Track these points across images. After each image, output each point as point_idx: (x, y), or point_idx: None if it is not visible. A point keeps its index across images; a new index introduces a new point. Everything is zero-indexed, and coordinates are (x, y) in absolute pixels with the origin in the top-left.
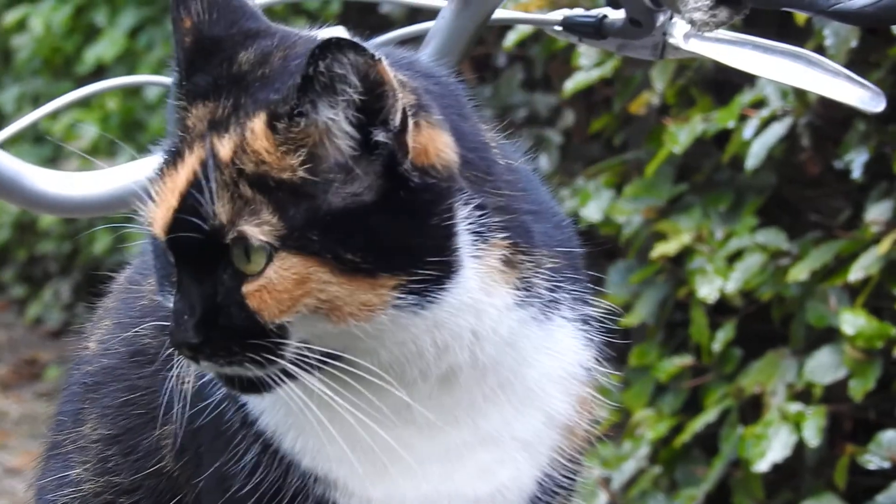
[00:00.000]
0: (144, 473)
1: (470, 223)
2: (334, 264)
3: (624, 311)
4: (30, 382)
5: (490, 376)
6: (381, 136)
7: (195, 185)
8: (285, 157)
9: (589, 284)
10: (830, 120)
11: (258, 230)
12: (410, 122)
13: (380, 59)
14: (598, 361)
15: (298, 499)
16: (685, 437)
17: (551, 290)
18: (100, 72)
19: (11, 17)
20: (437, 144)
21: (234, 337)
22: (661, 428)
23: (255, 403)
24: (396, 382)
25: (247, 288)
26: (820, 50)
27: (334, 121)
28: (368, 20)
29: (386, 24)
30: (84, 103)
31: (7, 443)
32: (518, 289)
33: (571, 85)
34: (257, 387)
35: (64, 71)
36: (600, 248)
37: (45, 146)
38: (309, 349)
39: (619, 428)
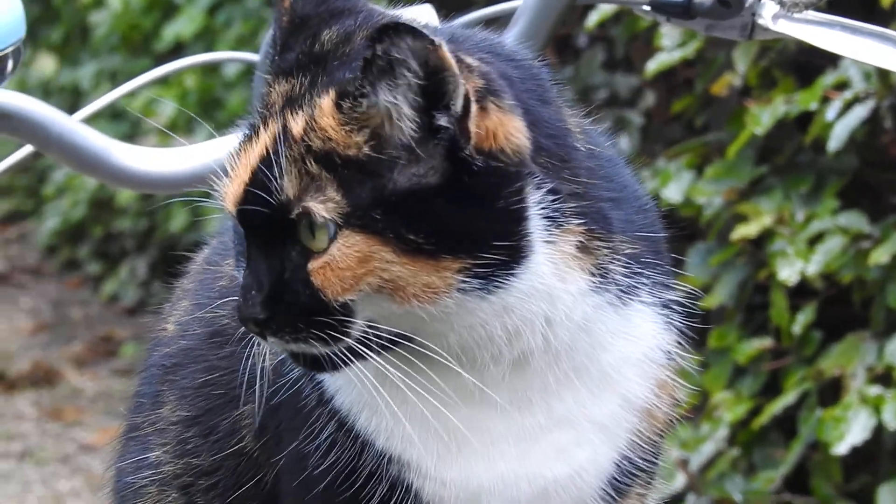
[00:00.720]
0: (224, 454)
1: (542, 208)
2: (397, 244)
3: (703, 293)
4: (105, 359)
5: (563, 361)
6: (443, 120)
7: (266, 160)
8: (350, 135)
9: (670, 268)
10: None
11: (322, 207)
12: (474, 107)
13: (440, 45)
14: (679, 345)
15: (373, 480)
16: (763, 419)
17: (629, 276)
18: (178, 49)
19: None
20: (507, 129)
21: (300, 314)
22: (739, 410)
23: (331, 381)
24: (468, 365)
25: (312, 265)
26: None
27: (395, 104)
28: (454, 0)
29: (470, 3)
30: (162, 80)
31: (82, 420)
32: (594, 275)
33: (653, 66)
34: (324, 365)
35: (142, 48)
36: (680, 230)
37: (123, 122)
38: (376, 329)
39: (698, 410)
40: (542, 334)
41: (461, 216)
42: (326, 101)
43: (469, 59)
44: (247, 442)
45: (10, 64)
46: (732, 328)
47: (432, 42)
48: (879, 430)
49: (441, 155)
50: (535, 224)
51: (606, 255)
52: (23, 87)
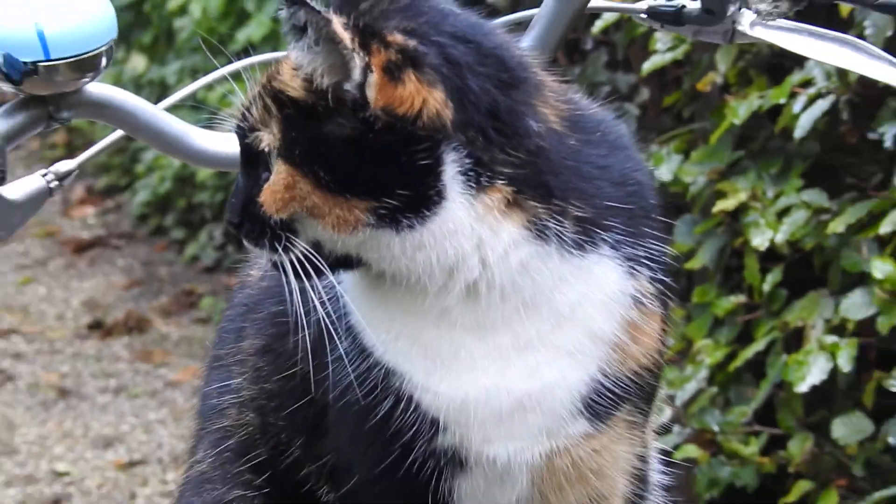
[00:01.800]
0: (285, 376)
1: (459, 169)
2: (313, 179)
3: (688, 257)
4: (187, 310)
5: (511, 296)
6: (347, 84)
7: (251, 97)
8: (294, 79)
9: (646, 230)
10: (867, 97)
11: (267, 138)
12: (374, 76)
13: (330, 20)
14: (651, 294)
15: (380, 389)
16: (738, 363)
17: (580, 233)
18: (249, 50)
19: (174, 2)
20: (423, 98)
21: (257, 223)
22: (717, 355)
23: (346, 300)
24: (425, 290)
25: (265, 185)
26: (860, 37)
27: (311, 61)
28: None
29: (493, 12)
30: (235, 76)
31: (168, 361)
32: (528, 229)
33: (648, 66)
34: (296, 274)
35: (218, 49)
36: (670, 204)
37: (201, 112)
38: (323, 249)
39: (683, 355)
40: (481, 272)
41: (366, 165)
42: (289, 52)
43: (392, 36)
44: (303, 364)
45: (104, 61)
46: (712, 286)
47: (325, 18)
48: (834, 372)
49: (348, 112)
50: (450, 179)
51: (544, 214)
52: (118, 82)
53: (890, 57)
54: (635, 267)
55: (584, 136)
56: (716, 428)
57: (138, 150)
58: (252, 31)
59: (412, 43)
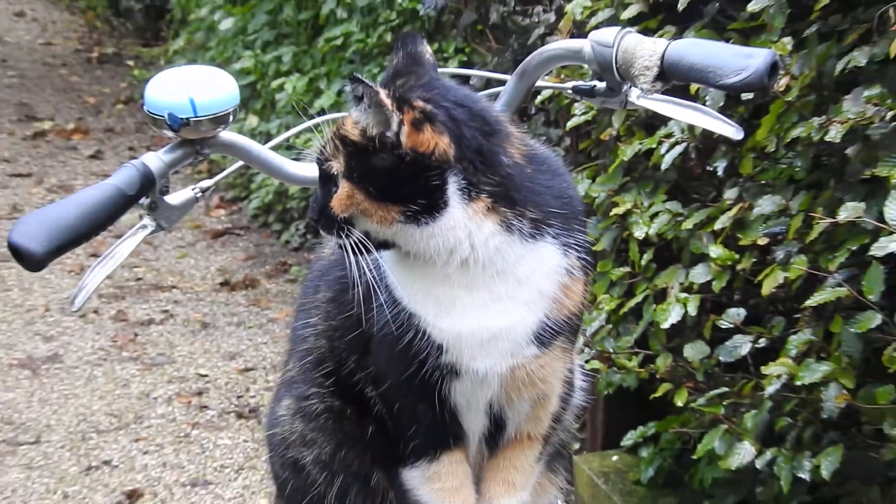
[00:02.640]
0: (345, 316)
1: (457, 187)
2: (364, 192)
3: (594, 243)
4: (282, 275)
5: (489, 267)
6: (388, 132)
7: (326, 140)
8: (353, 130)
9: (574, 227)
10: (707, 143)
11: (336, 166)
12: (406, 127)
13: (377, 91)
14: (577, 267)
15: (405, 326)
16: (625, 309)
17: (533, 227)
18: (322, 113)
19: (275, 83)
20: (435, 141)
21: (329, 219)
22: (612, 305)
23: (384, 269)
24: (434, 263)
25: (333, 196)
26: (703, 104)
27: (365, 118)
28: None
29: (474, 90)
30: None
31: (270, 306)
32: (501, 225)
33: (570, 123)
34: (353, 252)
35: (303, 111)
36: (587, 210)
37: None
38: (371, 236)
39: (591, 304)
40: (470, 252)
41: (398, 184)
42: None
43: (417, 101)
44: (356, 309)
45: (231, 118)
46: (609, 261)
47: (375, 90)
48: (685, 316)
49: (388, 150)
50: (452, 193)
51: (511, 216)
52: (239, 131)
53: (723, 117)
54: (567, 249)
55: (536, 167)
56: (611, 350)
57: (252, 174)
58: (324, 101)
59: (428, 107)
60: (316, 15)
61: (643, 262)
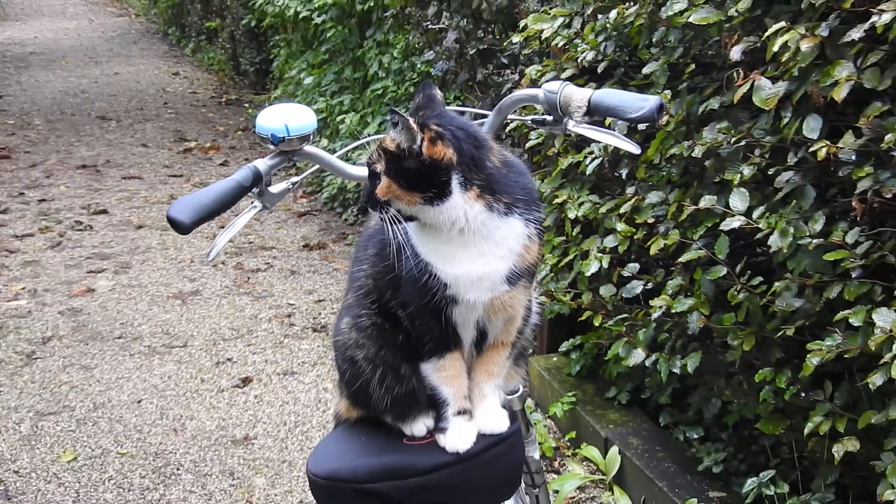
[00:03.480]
0: (385, 265)
1: (458, 182)
2: (398, 183)
3: (545, 219)
4: (343, 240)
5: (477, 233)
6: (414, 146)
7: (373, 151)
8: (391, 144)
9: (533, 208)
10: (615, 157)
11: (379, 167)
12: (426, 143)
13: (408, 119)
14: (534, 234)
15: (423, 271)
16: (561, 264)
17: (507, 208)
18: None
19: (339, 118)
20: (444, 151)
21: (374, 202)
22: (554, 260)
23: (410, 234)
24: (442, 231)
25: (377, 186)
26: (612, 129)
27: (399, 136)
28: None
29: (474, 117)
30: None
31: (335, 260)
32: (485, 206)
33: (529, 144)
34: (390, 224)
35: (356, 136)
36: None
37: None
38: (402, 213)
39: (542, 259)
40: (465, 223)
41: (420, 178)
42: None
43: (432, 126)
44: (392, 260)
45: (311, 137)
46: (552, 234)
47: (406, 119)
48: (600, 268)
49: (414, 157)
50: (455, 186)
51: (492, 200)
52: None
53: (627, 139)
54: (528, 222)
55: (508, 169)
56: (553, 289)
57: (324, 175)
58: (370, 129)
59: (440, 129)
60: (365, 75)
61: (574, 234)
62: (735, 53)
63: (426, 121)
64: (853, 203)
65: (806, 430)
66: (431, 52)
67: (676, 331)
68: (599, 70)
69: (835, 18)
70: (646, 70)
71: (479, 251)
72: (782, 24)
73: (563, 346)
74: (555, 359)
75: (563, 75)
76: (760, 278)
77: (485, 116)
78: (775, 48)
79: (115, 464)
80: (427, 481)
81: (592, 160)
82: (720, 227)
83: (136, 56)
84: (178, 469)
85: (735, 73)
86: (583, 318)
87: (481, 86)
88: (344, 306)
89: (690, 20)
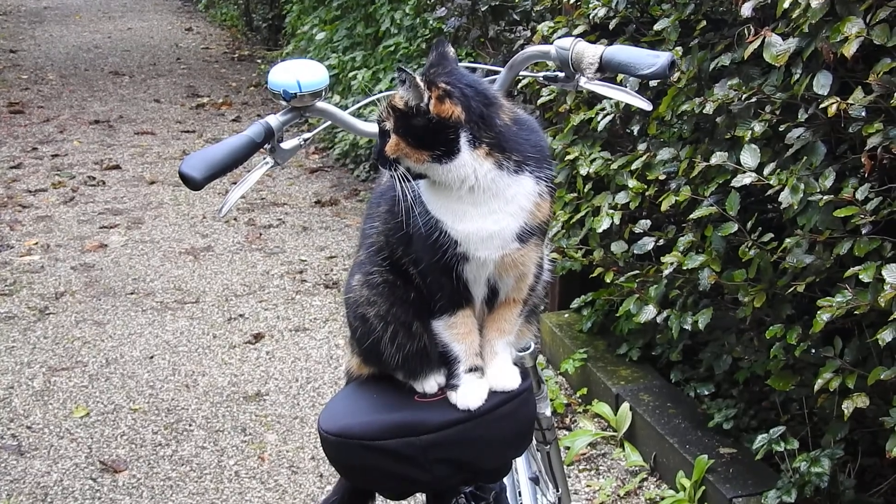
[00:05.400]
0: (397, 221)
1: (467, 140)
2: (406, 141)
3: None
4: (354, 196)
5: (487, 191)
6: (421, 103)
7: (383, 107)
8: (399, 101)
9: (544, 165)
10: (627, 113)
11: (388, 125)
12: (434, 101)
13: (415, 76)
14: (544, 192)
15: (433, 227)
16: (573, 220)
17: (517, 165)
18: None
19: (351, 74)
20: (453, 109)
21: (384, 159)
22: (565, 217)
23: (420, 191)
24: (453, 189)
25: (387, 143)
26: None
27: (407, 93)
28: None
29: (485, 74)
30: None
31: (346, 216)
32: (494, 163)
33: (540, 101)
34: (400, 181)
35: (368, 92)
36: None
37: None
38: (411, 170)
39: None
40: (476, 180)
41: (429, 136)
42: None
43: (441, 83)
44: (403, 217)
45: (323, 94)
46: (563, 190)
47: (412, 76)
48: (612, 225)
49: (422, 115)
50: (463, 143)
51: (501, 158)
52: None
53: (639, 96)
54: (539, 180)
55: (519, 126)
56: (565, 246)
57: (336, 131)
58: (381, 86)
59: (448, 87)
60: (377, 31)
61: (585, 190)
62: (746, 10)
63: (435, 78)
64: (863, 159)
65: (816, 387)
66: (443, 7)
67: (687, 287)
68: (611, 26)
69: None
70: (657, 26)
71: (489, 209)
72: None
73: (575, 303)
74: (566, 315)
75: (575, 31)
76: (771, 235)
77: (496, 73)
78: (786, 4)
79: (127, 419)
80: (438, 438)
81: (604, 117)
82: (731, 184)
83: (149, 11)
84: (190, 425)
85: (746, 30)
86: (594, 274)
87: (493, 42)
88: (355, 263)
89: None
